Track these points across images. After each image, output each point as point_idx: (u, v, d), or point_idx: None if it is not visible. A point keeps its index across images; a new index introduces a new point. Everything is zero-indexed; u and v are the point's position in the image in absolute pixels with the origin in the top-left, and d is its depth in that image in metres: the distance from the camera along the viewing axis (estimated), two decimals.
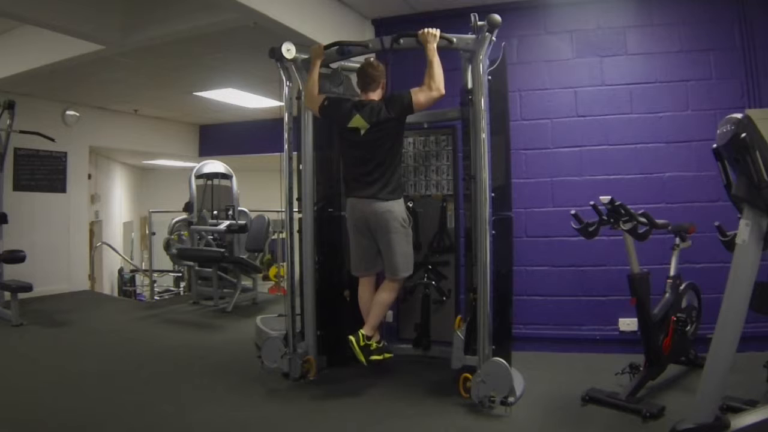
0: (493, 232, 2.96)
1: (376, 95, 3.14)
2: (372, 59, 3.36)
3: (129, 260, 10.01)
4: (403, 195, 3.19)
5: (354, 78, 3.76)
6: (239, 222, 5.87)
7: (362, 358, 2.97)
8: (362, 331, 3.02)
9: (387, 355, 3.12)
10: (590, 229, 2.90)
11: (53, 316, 5.26)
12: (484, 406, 2.74)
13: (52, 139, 5.87)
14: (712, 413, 2.12)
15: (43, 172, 6.49)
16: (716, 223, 2.52)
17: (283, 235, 3.63)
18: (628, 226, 2.76)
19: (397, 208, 3.08)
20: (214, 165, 6.39)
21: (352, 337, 2.97)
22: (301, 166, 3.38)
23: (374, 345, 3.04)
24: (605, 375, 3.03)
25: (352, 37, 3.81)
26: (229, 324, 5.09)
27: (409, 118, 3.51)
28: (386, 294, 3.14)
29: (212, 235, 5.95)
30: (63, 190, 6.70)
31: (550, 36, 3.97)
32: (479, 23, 2.89)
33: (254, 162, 8.94)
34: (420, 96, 2.97)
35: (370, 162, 3.06)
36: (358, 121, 3.04)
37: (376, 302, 3.13)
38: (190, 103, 7.16)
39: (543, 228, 3.87)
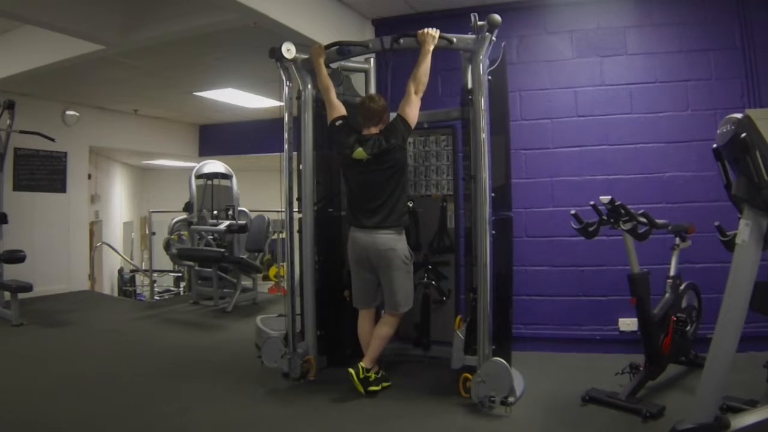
0: (493, 232, 2.96)
1: (377, 129, 3.12)
2: (373, 93, 3.38)
3: (129, 260, 10.02)
4: (407, 224, 3.20)
5: (354, 78, 3.77)
6: (239, 222, 5.87)
7: (361, 389, 2.99)
8: (362, 364, 3.04)
9: (385, 384, 3.14)
10: (590, 229, 2.89)
11: (53, 316, 5.26)
12: (484, 406, 2.74)
13: (52, 139, 5.87)
14: (712, 413, 2.12)
15: (43, 172, 6.49)
16: (716, 223, 2.52)
17: (283, 235, 3.63)
18: (628, 226, 2.76)
19: (400, 246, 3.10)
20: (214, 165, 6.39)
21: (351, 370, 3.00)
22: (301, 166, 3.38)
23: (373, 376, 3.08)
24: (605, 375, 3.03)
25: (352, 37, 3.81)
26: (229, 324, 5.09)
27: None
28: (386, 329, 3.17)
29: (212, 235, 5.95)
30: (63, 190, 6.70)
31: (550, 36, 3.97)
32: (479, 23, 2.89)
33: (254, 162, 8.94)
34: (407, 111, 3.01)
35: (372, 190, 3.08)
36: (360, 154, 3.05)
37: (376, 336, 3.15)
38: (190, 103, 7.16)
39: (543, 228, 3.87)
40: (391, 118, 3.13)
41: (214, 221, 6.11)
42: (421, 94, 3.03)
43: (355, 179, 3.16)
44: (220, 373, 3.54)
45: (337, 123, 3.17)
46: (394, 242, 3.07)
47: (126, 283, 9.39)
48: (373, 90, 3.69)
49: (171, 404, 2.98)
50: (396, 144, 3.02)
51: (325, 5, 3.95)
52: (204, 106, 7.40)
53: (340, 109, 3.20)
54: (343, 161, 3.21)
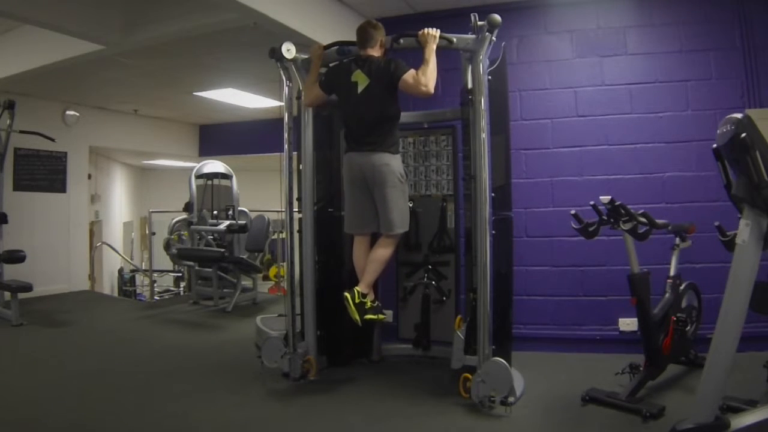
0: (493, 232, 2.96)
1: (374, 51, 3.12)
2: (372, 19, 3.36)
3: (129, 260, 10.01)
4: (399, 152, 3.20)
5: None
6: (239, 222, 5.87)
7: (357, 317, 2.93)
8: (358, 288, 2.98)
9: (381, 316, 3.08)
10: (590, 229, 2.90)
11: (53, 316, 5.26)
12: (484, 406, 2.74)
13: (52, 139, 5.87)
14: (712, 413, 2.12)
15: (43, 172, 6.49)
16: (716, 223, 2.52)
17: (283, 235, 3.63)
18: (628, 226, 2.76)
19: (395, 162, 3.08)
20: (214, 165, 6.39)
21: (347, 294, 2.93)
22: (301, 166, 3.38)
23: (369, 304, 3.00)
24: (605, 375, 3.03)
25: (352, 37, 3.80)
26: (229, 324, 5.09)
27: (409, 118, 3.53)
28: (382, 250, 3.09)
29: (212, 235, 5.95)
30: (63, 190, 6.70)
31: (550, 36, 3.97)
32: (479, 23, 2.89)
33: (254, 162, 8.94)
34: (409, 78, 2.93)
35: (368, 119, 3.06)
36: (359, 76, 3.04)
37: (372, 259, 3.08)
38: (190, 103, 7.16)
39: (543, 228, 3.87)
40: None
41: (214, 221, 6.11)
42: (432, 90, 2.91)
43: (351, 111, 3.13)
44: (220, 373, 3.54)
45: (322, 78, 3.19)
46: (389, 158, 3.05)
47: (126, 283, 9.39)
48: None
49: (171, 404, 2.98)
50: (386, 79, 2.97)
51: (325, 5, 3.95)
52: (204, 106, 7.40)
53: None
54: (339, 94, 3.19)
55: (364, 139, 3.08)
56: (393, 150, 3.10)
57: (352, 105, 3.11)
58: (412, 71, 2.96)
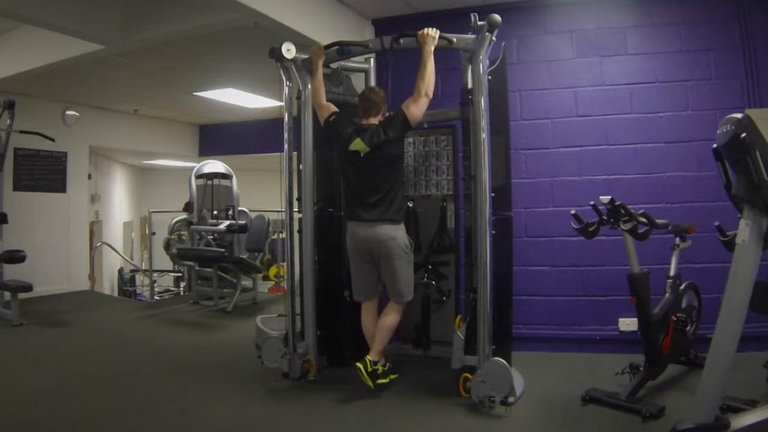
0: (493, 232, 2.96)
1: (376, 120, 3.13)
2: (373, 85, 3.40)
3: (129, 260, 10.01)
4: (404, 218, 3.20)
5: (354, 78, 3.78)
6: (239, 222, 5.87)
7: (370, 384, 2.98)
8: (369, 357, 3.03)
9: (393, 377, 3.16)
10: (590, 229, 2.90)
11: (53, 316, 5.26)
12: (484, 406, 2.74)
13: (52, 139, 5.87)
14: (712, 413, 2.12)
15: (43, 172, 6.49)
16: (716, 223, 2.52)
17: (283, 235, 3.63)
18: (628, 226, 2.76)
19: (400, 234, 3.10)
20: (214, 165, 6.39)
21: (359, 365, 2.99)
22: (301, 166, 3.38)
23: (381, 369, 3.07)
24: (605, 375, 3.03)
25: (352, 37, 3.81)
26: (229, 324, 5.09)
27: None
28: (391, 318, 3.16)
29: (212, 235, 5.95)
30: (63, 190, 6.70)
31: (550, 36, 3.97)
32: (479, 23, 2.89)
33: (254, 162, 8.94)
34: (412, 108, 3.00)
35: (370, 184, 3.07)
36: (358, 145, 3.04)
37: (381, 328, 3.13)
38: (190, 103, 7.16)
39: (543, 228, 3.87)
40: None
41: (214, 221, 6.11)
42: (431, 95, 3.00)
43: (353, 174, 3.14)
44: (220, 373, 3.54)
45: (331, 119, 3.18)
46: (394, 231, 3.07)
47: (126, 283, 9.38)
48: None
49: (171, 404, 2.98)
50: (393, 137, 3.01)
51: (325, 5, 3.95)
52: (204, 106, 7.40)
53: (330, 107, 3.21)
54: (340, 155, 3.21)
55: (366, 204, 3.07)
56: (397, 219, 3.10)
57: (353, 171, 3.13)
58: (405, 103, 3.02)
